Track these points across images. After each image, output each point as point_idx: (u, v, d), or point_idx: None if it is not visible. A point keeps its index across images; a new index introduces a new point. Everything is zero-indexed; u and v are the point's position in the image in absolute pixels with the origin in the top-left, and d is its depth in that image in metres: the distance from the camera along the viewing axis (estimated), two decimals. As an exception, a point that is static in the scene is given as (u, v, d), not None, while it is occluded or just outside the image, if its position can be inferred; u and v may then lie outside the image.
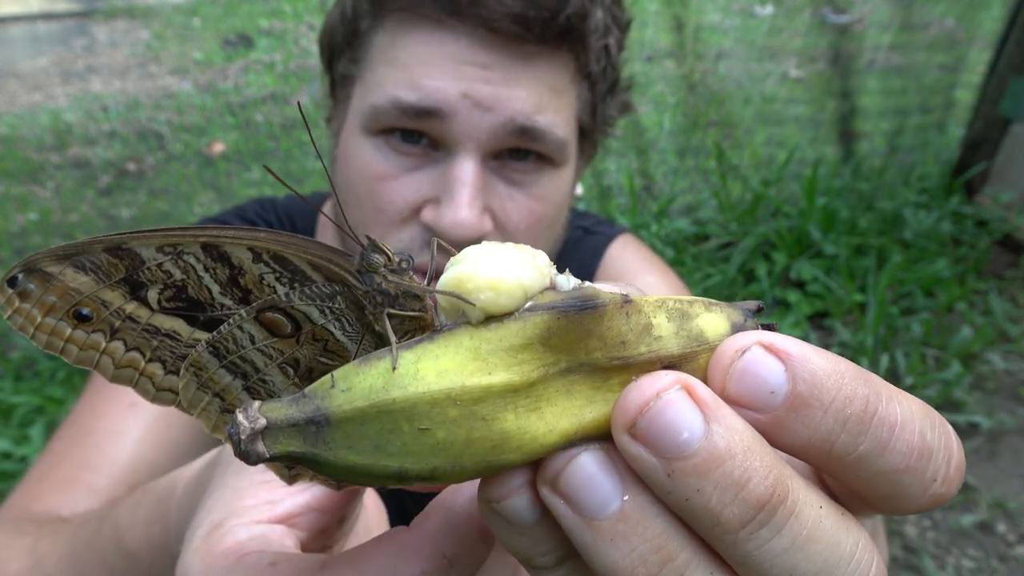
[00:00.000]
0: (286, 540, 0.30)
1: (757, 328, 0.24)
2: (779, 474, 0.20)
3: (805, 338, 2.02)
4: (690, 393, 0.20)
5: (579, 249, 0.85)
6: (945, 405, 1.80)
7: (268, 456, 0.21)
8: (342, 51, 0.69)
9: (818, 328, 2.05)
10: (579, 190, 2.14)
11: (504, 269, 0.22)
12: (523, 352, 0.22)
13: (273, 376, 0.28)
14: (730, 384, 0.21)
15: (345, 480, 0.23)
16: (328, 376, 0.22)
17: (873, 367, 1.86)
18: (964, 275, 2.18)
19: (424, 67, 0.61)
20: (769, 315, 2.04)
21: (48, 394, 1.68)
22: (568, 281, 0.23)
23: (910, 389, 1.82)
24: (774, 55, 2.30)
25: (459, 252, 0.24)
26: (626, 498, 0.21)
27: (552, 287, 0.23)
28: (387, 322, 0.25)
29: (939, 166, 2.54)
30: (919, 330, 1.98)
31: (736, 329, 0.23)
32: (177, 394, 0.29)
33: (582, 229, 0.87)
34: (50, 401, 1.66)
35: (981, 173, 2.46)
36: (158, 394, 0.29)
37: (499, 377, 0.22)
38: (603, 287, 0.23)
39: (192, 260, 0.26)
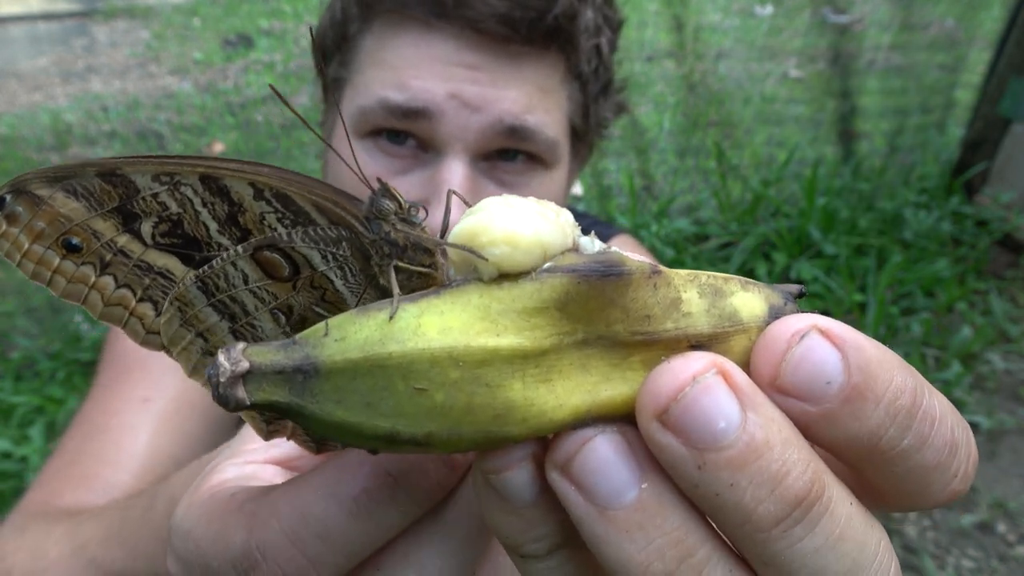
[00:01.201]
0: (278, 480, 0.29)
1: (797, 311, 0.21)
2: (816, 468, 0.19)
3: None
4: (726, 378, 0.19)
5: None
6: (945, 405, 1.80)
7: (248, 403, 0.19)
8: (332, 55, 0.69)
9: (818, 328, 2.05)
10: (579, 190, 2.14)
11: (523, 223, 0.20)
12: (537, 316, 0.20)
13: (263, 321, 0.26)
14: (786, 372, 0.19)
15: (330, 438, 0.21)
16: (322, 323, 0.20)
17: (873, 367, 1.86)
18: (964, 275, 2.18)
19: (411, 68, 0.61)
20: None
21: (48, 394, 1.68)
22: (593, 244, 0.21)
23: (910, 389, 1.82)
24: (774, 55, 2.30)
25: (480, 202, 0.22)
26: (644, 487, 0.19)
27: (575, 248, 0.20)
28: (393, 275, 0.23)
29: (939, 166, 2.54)
30: (919, 330, 1.98)
31: (775, 312, 0.21)
32: None
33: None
34: (50, 401, 1.66)
35: (981, 173, 2.46)
36: (148, 336, 0.27)
37: (508, 340, 0.20)
38: (631, 255, 0.21)
39: (190, 192, 0.25)
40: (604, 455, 0.20)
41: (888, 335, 1.94)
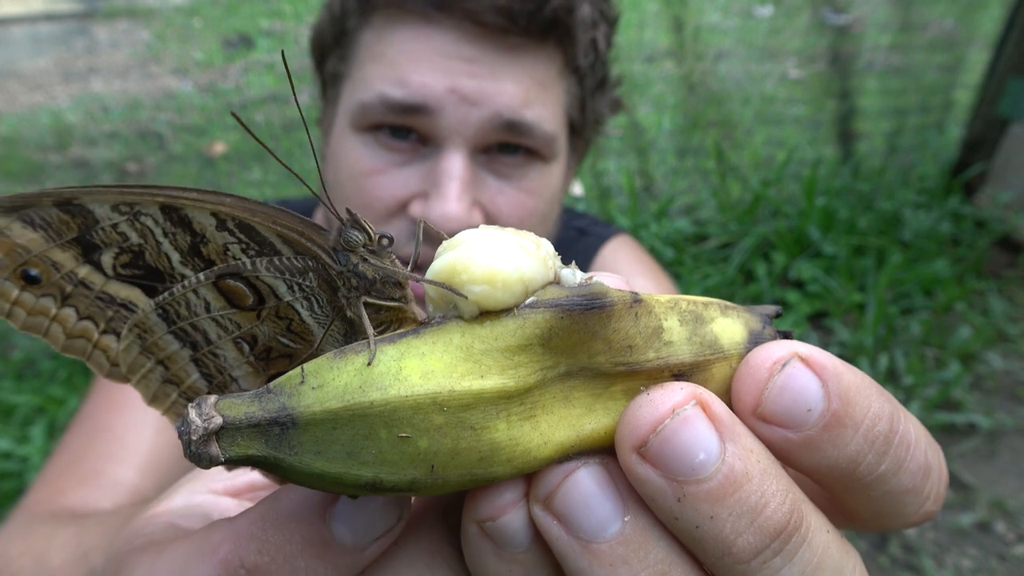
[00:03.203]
0: (231, 511, 0.27)
1: (775, 335, 0.22)
2: (794, 498, 0.19)
3: (804, 338, 2.02)
4: (706, 409, 0.19)
5: (573, 250, 0.85)
6: (944, 405, 1.80)
7: (223, 460, 0.19)
8: (331, 50, 0.69)
9: (818, 328, 2.05)
10: (579, 190, 2.14)
11: (503, 259, 0.19)
12: (520, 354, 0.19)
13: (226, 350, 0.25)
14: (767, 400, 0.19)
15: (310, 487, 0.20)
16: (298, 369, 0.19)
17: (872, 367, 1.86)
18: (963, 275, 2.19)
19: (411, 63, 0.61)
20: (769, 315, 2.05)
21: (49, 394, 1.68)
22: (574, 275, 0.20)
23: (910, 389, 1.82)
24: (773, 55, 2.30)
25: (452, 237, 0.21)
26: (627, 519, 0.19)
27: (556, 281, 0.20)
28: (363, 310, 0.23)
29: (938, 166, 2.54)
30: (918, 330, 1.98)
31: (754, 337, 0.21)
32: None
33: (577, 230, 0.87)
34: (51, 401, 1.66)
35: (980, 173, 2.46)
36: (112, 369, 0.26)
37: (492, 381, 0.19)
38: (609, 279, 0.21)
39: (150, 223, 0.24)
40: (586, 488, 0.19)
41: (887, 335, 1.94)
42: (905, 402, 1.80)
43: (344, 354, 0.19)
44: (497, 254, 0.20)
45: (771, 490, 0.18)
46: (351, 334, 0.25)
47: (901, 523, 0.21)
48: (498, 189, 0.65)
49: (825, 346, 1.96)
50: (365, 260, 0.24)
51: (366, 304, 0.24)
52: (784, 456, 0.20)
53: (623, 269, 0.84)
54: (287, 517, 0.21)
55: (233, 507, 0.28)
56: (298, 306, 0.25)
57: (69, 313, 0.25)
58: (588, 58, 0.67)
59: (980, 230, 2.36)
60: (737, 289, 2.09)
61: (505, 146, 0.64)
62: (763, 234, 2.18)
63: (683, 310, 0.21)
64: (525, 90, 0.62)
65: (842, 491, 0.20)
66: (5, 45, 1.79)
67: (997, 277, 2.24)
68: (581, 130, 0.72)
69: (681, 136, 2.27)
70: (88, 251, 0.24)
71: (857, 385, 0.19)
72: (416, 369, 0.19)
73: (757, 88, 2.30)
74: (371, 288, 0.24)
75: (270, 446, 0.19)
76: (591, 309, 0.19)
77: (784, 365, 0.19)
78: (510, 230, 0.21)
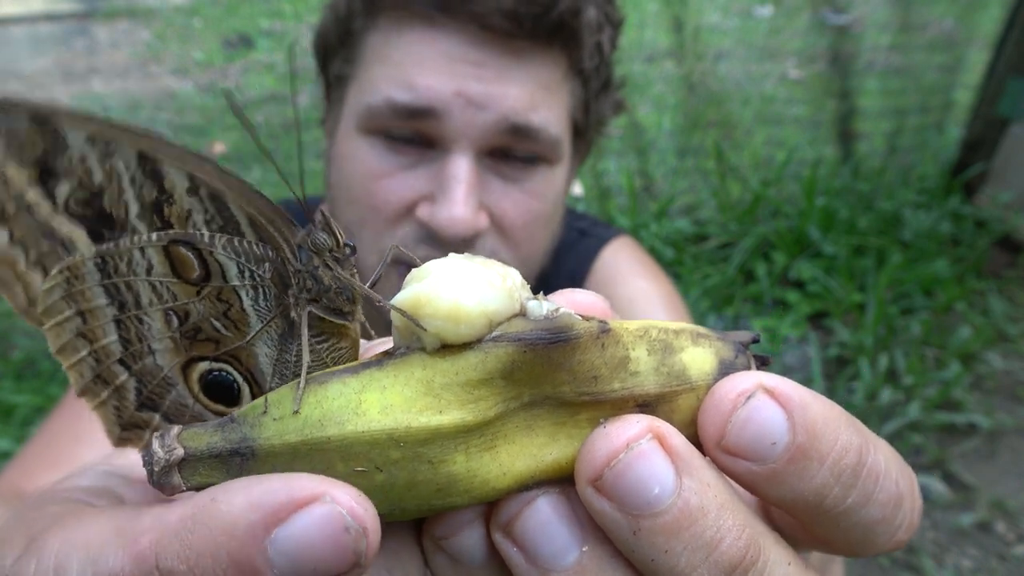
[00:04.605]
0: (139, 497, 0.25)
1: (751, 363, 0.21)
2: (752, 532, 0.19)
3: (805, 338, 2.03)
4: (662, 442, 0.18)
5: (574, 251, 0.85)
6: (944, 405, 1.80)
7: (184, 488, 0.19)
8: (336, 52, 0.69)
9: (818, 328, 2.05)
10: (579, 190, 2.14)
11: (468, 293, 0.19)
12: (481, 388, 0.19)
13: (153, 319, 0.24)
14: (731, 434, 0.19)
15: None
16: (262, 399, 0.20)
17: (872, 367, 1.86)
18: (963, 275, 2.19)
19: (417, 66, 0.61)
20: (769, 315, 2.05)
21: (49, 394, 1.68)
22: (541, 307, 0.20)
23: (910, 389, 1.82)
24: (773, 56, 2.30)
25: (419, 267, 0.21)
26: (585, 548, 0.19)
27: (522, 313, 0.20)
28: (306, 319, 0.22)
29: (938, 166, 2.54)
30: (918, 330, 1.98)
31: (725, 367, 0.21)
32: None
33: (578, 231, 0.87)
34: (51, 401, 1.66)
35: (980, 173, 2.46)
36: (28, 308, 0.24)
37: (451, 417, 0.19)
38: (584, 296, 0.21)
39: (121, 167, 0.22)
40: (545, 516, 0.19)
41: (888, 335, 1.94)
42: (905, 402, 1.80)
43: (308, 384, 0.19)
44: (462, 288, 0.19)
45: (727, 525, 0.18)
46: (288, 335, 0.24)
47: (874, 551, 0.21)
48: (503, 192, 0.65)
49: (825, 346, 1.96)
50: (327, 265, 0.23)
51: (311, 313, 0.23)
52: (750, 488, 0.20)
53: (623, 270, 0.83)
54: (222, 526, 0.17)
55: (140, 495, 0.26)
56: (243, 294, 0.24)
57: (1, 234, 0.23)
58: (593, 61, 0.67)
59: (980, 230, 2.36)
60: (737, 289, 2.09)
61: (511, 149, 0.65)
62: (763, 234, 2.18)
63: (652, 339, 0.20)
64: (531, 93, 0.62)
65: (810, 522, 0.20)
66: (5, 45, 1.79)
67: (997, 277, 2.24)
68: (584, 132, 0.72)
69: (681, 136, 2.27)
70: (45, 176, 0.22)
71: (825, 417, 0.19)
72: (376, 403, 0.19)
73: (757, 88, 2.31)
74: (323, 295, 0.23)
75: (231, 475, 0.19)
76: (555, 343, 0.19)
77: (749, 397, 0.19)
78: (479, 259, 0.21)
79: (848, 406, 1.64)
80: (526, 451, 0.20)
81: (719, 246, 2.21)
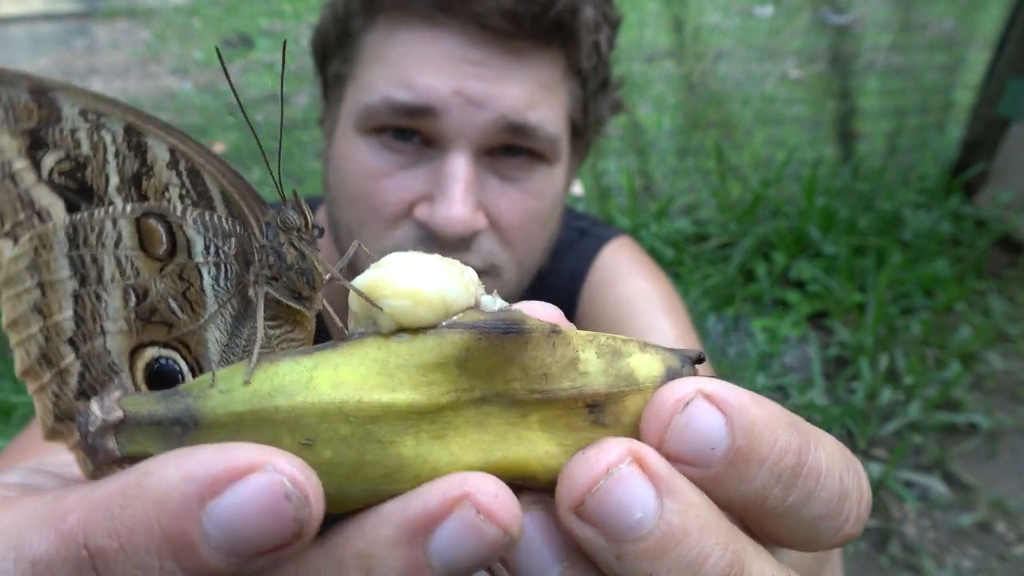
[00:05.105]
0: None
1: (694, 375, 0.21)
2: (735, 548, 0.19)
3: (805, 338, 2.02)
4: (642, 465, 0.18)
5: (574, 250, 0.85)
6: (944, 405, 1.80)
7: (119, 455, 0.18)
8: (334, 51, 0.69)
9: (818, 328, 2.05)
10: (579, 190, 2.14)
11: (427, 280, 0.20)
12: (436, 372, 0.19)
13: (112, 296, 0.24)
14: (671, 440, 0.19)
15: None
16: (210, 374, 0.19)
17: (873, 367, 1.86)
18: (963, 275, 2.19)
19: (416, 65, 0.61)
20: (769, 315, 2.05)
21: (49, 394, 1.68)
22: (494, 302, 0.21)
23: (910, 389, 1.82)
24: (774, 55, 2.30)
25: (380, 259, 0.21)
26: (566, 564, 0.19)
27: (476, 306, 0.20)
28: (262, 297, 0.22)
29: (938, 166, 2.54)
30: (918, 330, 1.98)
31: (671, 374, 0.21)
32: None
33: (578, 231, 0.87)
34: (51, 401, 1.66)
35: (980, 173, 2.46)
36: None
37: (403, 396, 0.19)
38: (533, 307, 0.21)
39: (108, 139, 0.23)
40: (528, 534, 0.19)
41: (888, 335, 1.94)
42: (905, 402, 1.80)
43: (259, 363, 0.19)
44: (422, 275, 0.20)
45: (710, 543, 0.18)
46: (242, 318, 0.24)
47: (823, 546, 0.21)
48: (501, 191, 0.65)
49: (825, 346, 1.96)
50: (292, 244, 0.23)
51: (269, 294, 0.23)
52: (713, 496, 0.20)
53: (623, 270, 0.83)
54: (154, 498, 0.16)
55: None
56: (205, 271, 0.24)
57: None
58: (591, 61, 0.67)
59: (980, 230, 2.36)
60: (737, 289, 2.09)
61: (509, 148, 0.64)
62: (763, 234, 2.18)
63: (601, 344, 0.21)
64: (530, 92, 0.62)
65: (754, 520, 0.20)
66: (5, 45, 1.79)
67: (997, 277, 2.24)
68: (583, 132, 0.72)
69: (681, 136, 2.27)
70: (35, 146, 0.23)
71: (764, 420, 0.19)
72: (327, 379, 0.19)
73: (757, 88, 2.30)
74: (283, 273, 0.23)
75: (169, 446, 0.18)
76: (509, 333, 0.20)
77: (687, 404, 0.19)
78: (436, 256, 0.21)
79: (848, 406, 1.64)
80: (476, 445, 0.20)
81: (719, 246, 2.21)
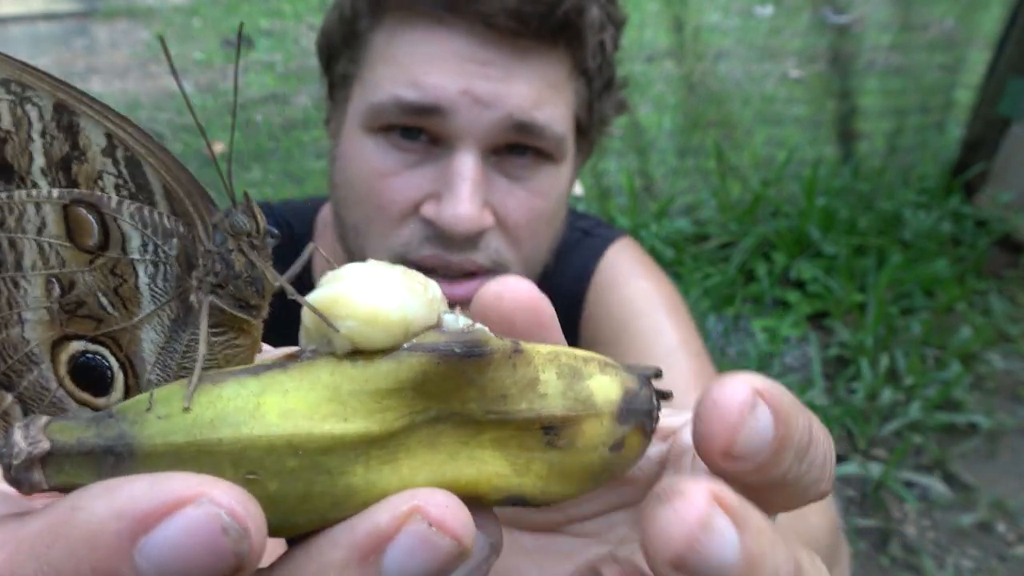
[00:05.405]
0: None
1: (651, 395, 0.22)
2: (789, 551, 0.19)
3: (805, 338, 2.02)
4: (722, 506, 0.18)
5: (577, 251, 0.85)
6: (945, 405, 1.80)
7: (46, 487, 0.17)
8: (340, 52, 0.69)
9: (818, 328, 2.05)
10: (579, 190, 2.14)
11: (387, 298, 0.19)
12: (390, 398, 0.18)
13: (32, 284, 0.22)
14: (739, 444, 0.20)
15: None
16: (147, 394, 0.18)
17: (873, 367, 1.86)
18: (964, 275, 2.19)
19: (423, 65, 0.62)
20: (769, 315, 2.05)
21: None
22: (457, 321, 0.20)
23: (911, 389, 1.82)
24: (774, 55, 2.30)
25: (337, 270, 0.20)
26: None
27: (438, 325, 0.20)
28: (207, 306, 0.21)
29: (939, 166, 2.54)
30: (919, 330, 1.98)
31: (629, 397, 0.21)
32: None
33: (581, 231, 0.87)
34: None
35: (981, 173, 2.46)
36: None
37: (355, 426, 0.18)
38: (508, 283, 0.21)
39: (34, 115, 0.21)
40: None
41: (888, 335, 1.94)
42: (906, 402, 1.80)
43: (201, 383, 0.18)
44: (382, 293, 0.19)
45: (780, 557, 0.19)
46: (182, 323, 0.22)
47: (803, 503, 0.23)
48: (508, 190, 0.65)
49: (825, 346, 1.96)
50: (241, 250, 0.21)
51: (213, 303, 0.21)
52: (732, 480, 0.20)
53: (626, 271, 0.83)
54: (83, 537, 0.15)
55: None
56: (141, 269, 0.22)
57: None
58: (596, 60, 0.67)
59: (981, 230, 2.36)
60: (737, 289, 2.09)
61: (515, 147, 0.65)
62: (763, 234, 2.18)
63: (562, 364, 0.20)
64: (537, 92, 0.63)
65: (767, 494, 0.21)
66: (5, 45, 1.79)
67: (998, 277, 2.24)
68: (587, 131, 0.73)
69: (681, 136, 2.27)
70: None
71: (790, 405, 0.20)
72: (276, 407, 0.18)
73: (757, 88, 2.30)
74: (231, 281, 0.21)
75: (101, 477, 0.17)
76: (470, 357, 0.19)
77: (754, 407, 0.20)
78: (399, 268, 0.20)
79: (848, 406, 1.64)
80: (428, 467, 0.19)
81: (719, 246, 2.21)
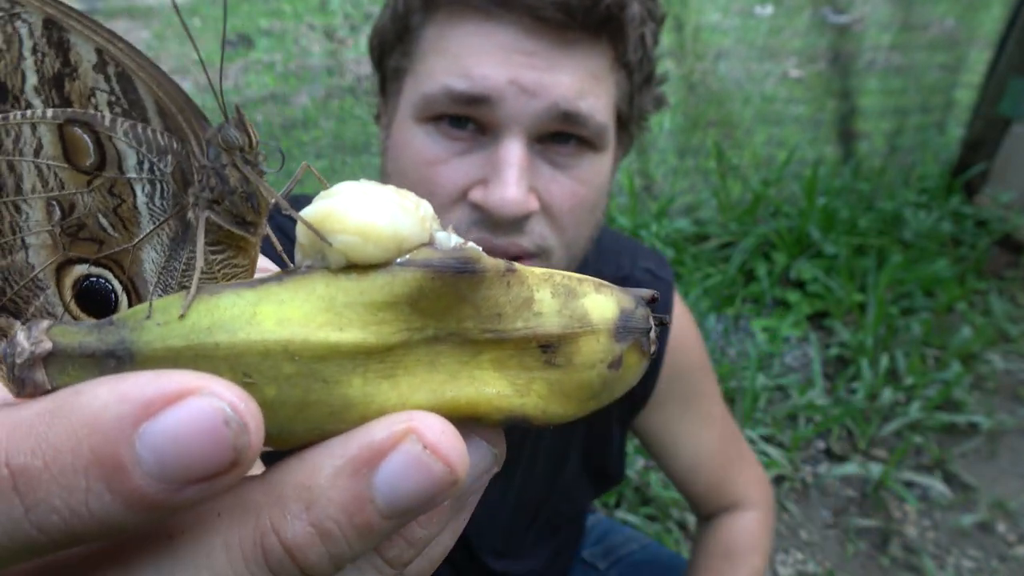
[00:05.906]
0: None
1: (648, 316, 0.21)
2: None
3: (805, 338, 2.02)
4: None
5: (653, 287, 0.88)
6: (945, 405, 1.80)
7: (49, 388, 0.17)
8: (393, 47, 0.72)
9: (818, 328, 2.05)
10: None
11: (380, 214, 0.19)
12: (386, 311, 0.19)
13: (34, 208, 0.21)
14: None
15: None
16: (146, 304, 0.18)
17: (873, 367, 1.86)
18: (964, 275, 2.19)
19: (473, 56, 0.64)
20: (769, 315, 2.04)
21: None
22: (449, 239, 0.20)
23: (911, 389, 1.82)
24: (774, 55, 2.30)
25: (336, 185, 0.20)
26: None
27: (431, 243, 0.20)
28: (203, 222, 0.21)
29: (939, 166, 2.54)
30: (919, 330, 1.98)
31: (625, 316, 0.21)
32: None
33: (650, 273, 0.89)
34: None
35: (981, 173, 2.46)
36: None
37: (351, 335, 0.18)
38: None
39: (25, 31, 0.20)
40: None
41: (888, 335, 1.94)
42: (906, 402, 1.80)
43: (199, 295, 0.18)
44: (374, 208, 0.19)
45: None
46: (180, 240, 0.22)
47: None
48: (552, 177, 0.68)
49: (826, 346, 1.96)
50: (235, 165, 0.21)
51: (210, 219, 0.21)
52: None
53: (687, 325, 0.90)
54: (84, 418, 0.15)
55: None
56: (138, 188, 0.21)
57: None
58: (637, 54, 0.70)
59: (981, 230, 2.35)
60: (737, 289, 2.08)
61: (559, 135, 0.68)
62: (763, 234, 2.18)
63: (556, 283, 0.20)
64: (580, 82, 0.65)
65: None
66: (5, 45, 1.79)
67: (998, 277, 2.24)
68: (627, 124, 0.75)
69: (681, 136, 2.27)
70: None
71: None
72: (272, 315, 0.18)
73: (757, 88, 2.30)
74: (227, 196, 0.21)
75: None
76: (463, 272, 0.19)
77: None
78: (391, 187, 0.20)
79: (848, 406, 1.64)
80: (426, 385, 0.19)
81: (719, 246, 2.21)
